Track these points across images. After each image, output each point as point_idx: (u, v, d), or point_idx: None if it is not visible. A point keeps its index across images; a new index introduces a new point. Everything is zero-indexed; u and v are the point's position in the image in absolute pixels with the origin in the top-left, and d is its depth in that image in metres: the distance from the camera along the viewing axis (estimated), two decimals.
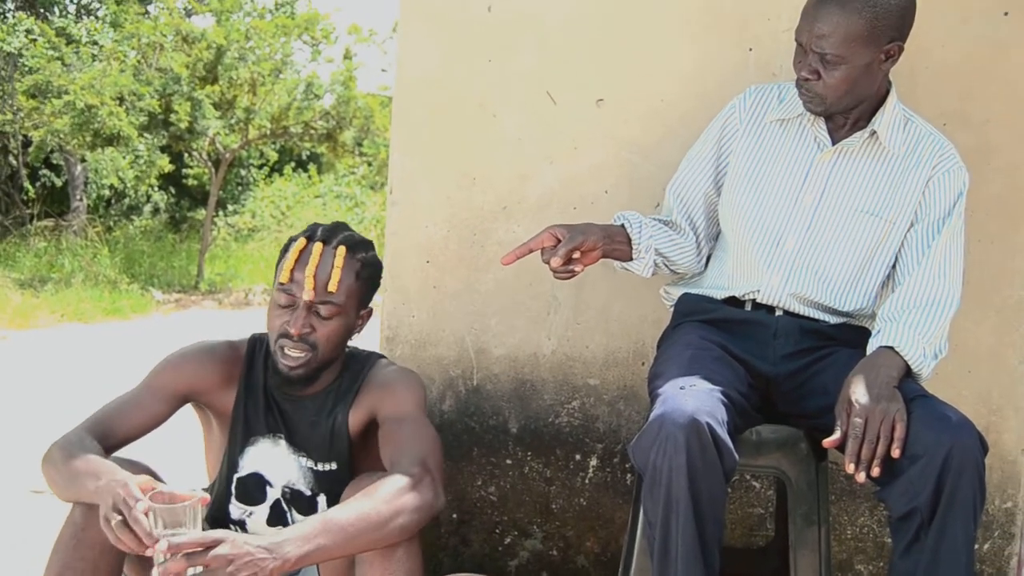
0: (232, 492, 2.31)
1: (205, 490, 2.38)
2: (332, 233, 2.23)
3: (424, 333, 2.85)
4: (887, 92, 2.25)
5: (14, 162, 13.79)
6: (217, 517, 2.31)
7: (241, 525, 2.32)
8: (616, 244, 2.30)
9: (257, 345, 2.33)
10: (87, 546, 2.01)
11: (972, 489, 1.90)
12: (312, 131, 12.10)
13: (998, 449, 2.70)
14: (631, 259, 2.34)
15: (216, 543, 1.74)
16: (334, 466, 2.27)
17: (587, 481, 2.86)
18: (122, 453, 2.15)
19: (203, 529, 1.82)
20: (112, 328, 8.77)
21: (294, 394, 2.27)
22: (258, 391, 2.29)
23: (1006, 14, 2.61)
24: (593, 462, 2.85)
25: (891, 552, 2.01)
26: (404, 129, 2.81)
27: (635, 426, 2.80)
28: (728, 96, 2.46)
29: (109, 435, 2.14)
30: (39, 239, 12.68)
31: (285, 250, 2.23)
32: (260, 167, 16.49)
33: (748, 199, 2.31)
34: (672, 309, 2.47)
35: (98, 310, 9.38)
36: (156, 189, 14.77)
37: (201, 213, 14.39)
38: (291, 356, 2.18)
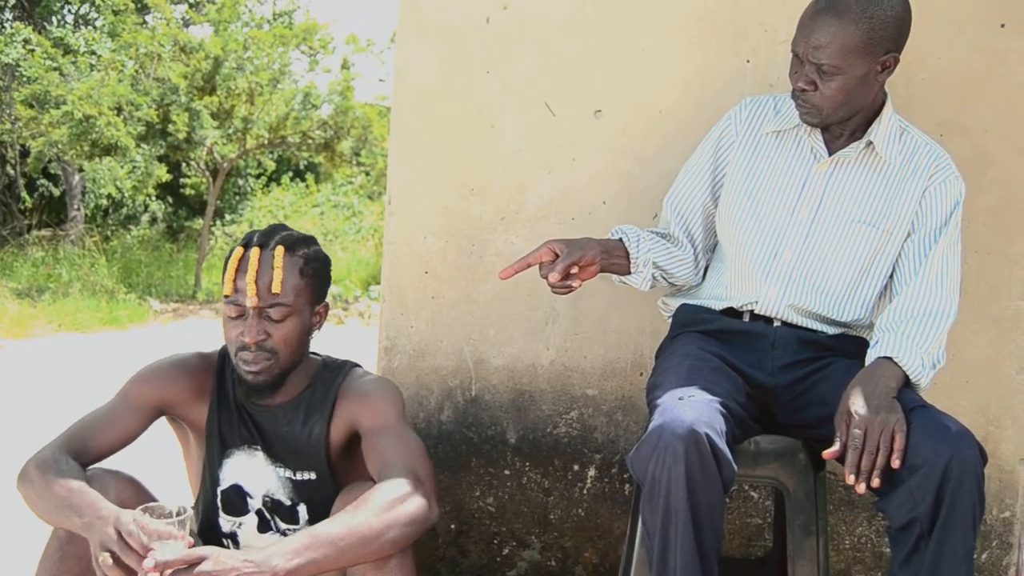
0: (219, 505, 2.30)
1: (193, 507, 2.37)
2: (269, 236, 2.19)
3: (422, 343, 2.85)
4: (883, 103, 2.25)
5: (12, 172, 13.80)
6: (208, 531, 2.31)
7: (232, 537, 2.31)
8: (614, 259, 2.30)
9: (226, 357, 2.31)
10: (72, 558, 2.03)
11: (972, 499, 1.90)
12: (310, 141, 12.11)
13: (996, 459, 2.70)
14: (629, 273, 2.34)
15: (200, 560, 1.75)
16: (313, 476, 2.25)
17: (585, 491, 2.86)
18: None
19: (192, 542, 1.83)
20: (109, 338, 8.76)
21: (264, 404, 2.25)
22: (230, 402, 2.28)
23: (1003, 25, 2.62)
24: (591, 472, 2.85)
25: (890, 562, 2.01)
26: (402, 139, 2.81)
27: (633, 436, 2.80)
28: (726, 107, 2.46)
29: (84, 451, 2.12)
30: (36, 249, 12.68)
31: (225, 264, 2.20)
32: (258, 177, 16.51)
33: (745, 211, 2.32)
34: (670, 320, 2.47)
35: (95, 320, 9.37)
36: (154, 199, 14.79)
37: (199, 223, 14.39)
38: (252, 365, 2.15)
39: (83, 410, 2.24)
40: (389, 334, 2.86)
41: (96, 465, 2.12)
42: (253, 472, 2.28)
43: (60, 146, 10.92)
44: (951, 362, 2.30)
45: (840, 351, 2.26)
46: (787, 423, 2.23)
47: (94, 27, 14.21)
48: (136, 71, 11.46)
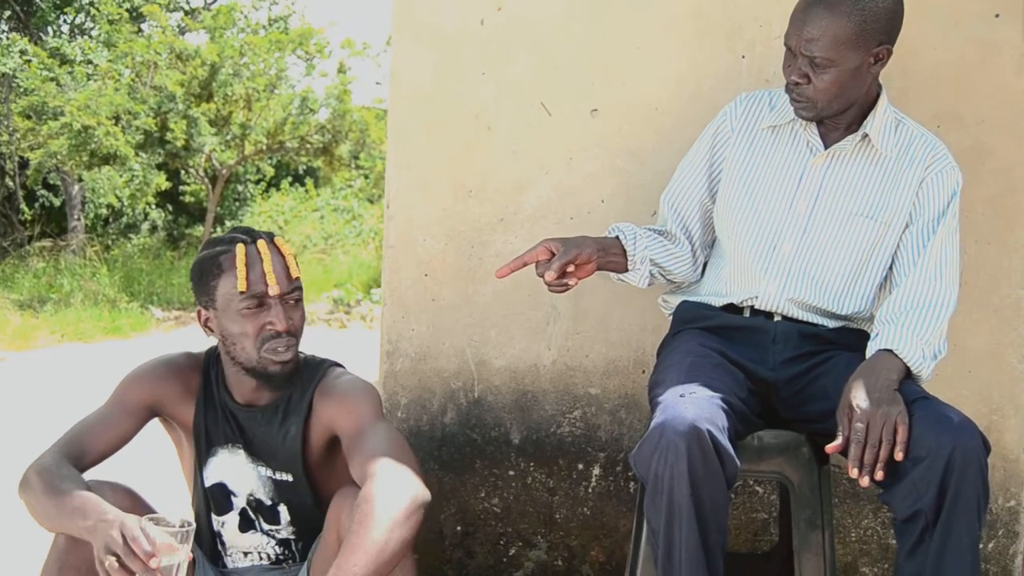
0: (210, 504, 2.32)
1: (189, 504, 2.39)
2: (248, 233, 2.22)
3: (424, 346, 2.85)
4: (878, 95, 2.25)
5: (11, 183, 13.81)
6: (200, 530, 2.32)
7: (218, 537, 2.34)
8: (611, 256, 2.30)
9: (212, 356, 2.34)
10: (71, 569, 2.05)
11: (976, 489, 1.90)
12: (308, 145, 12.12)
13: (1000, 448, 2.71)
14: (627, 271, 2.34)
15: None
16: (289, 477, 2.27)
17: (590, 490, 2.86)
18: (99, 474, 2.17)
19: (193, 556, 1.85)
20: (112, 347, 8.76)
21: (247, 405, 2.28)
22: (215, 401, 2.30)
23: (997, 16, 2.62)
24: (596, 471, 2.85)
25: (896, 554, 2.01)
26: (400, 143, 2.81)
27: (637, 434, 2.80)
28: (722, 102, 2.46)
29: (82, 455, 2.14)
30: (38, 260, 12.67)
31: (206, 271, 2.19)
32: (257, 182, 16.52)
33: (743, 206, 2.32)
34: (671, 317, 2.48)
35: (98, 329, 9.37)
36: (153, 207, 14.80)
37: (199, 230, 14.40)
38: (286, 354, 2.19)
39: (82, 416, 2.25)
40: (391, 338, 2.86)
41: (94, 477, 2.13)
42: (236, 471, 2.30)
43: (59, 157, 10.92)
44: (953, 352, 2.30)
45: (841, 344, 2.26)
46: (790, 418, 2.23)
47: (90, 37, 14.20)
48: (133, 80, 11.47)
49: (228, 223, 15.58)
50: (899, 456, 1.90)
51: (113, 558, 1.82)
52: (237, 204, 16.17)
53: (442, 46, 2.77)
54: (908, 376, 2.06)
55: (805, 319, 2.28)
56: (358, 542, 1.85)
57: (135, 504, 2.13)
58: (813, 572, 2.16)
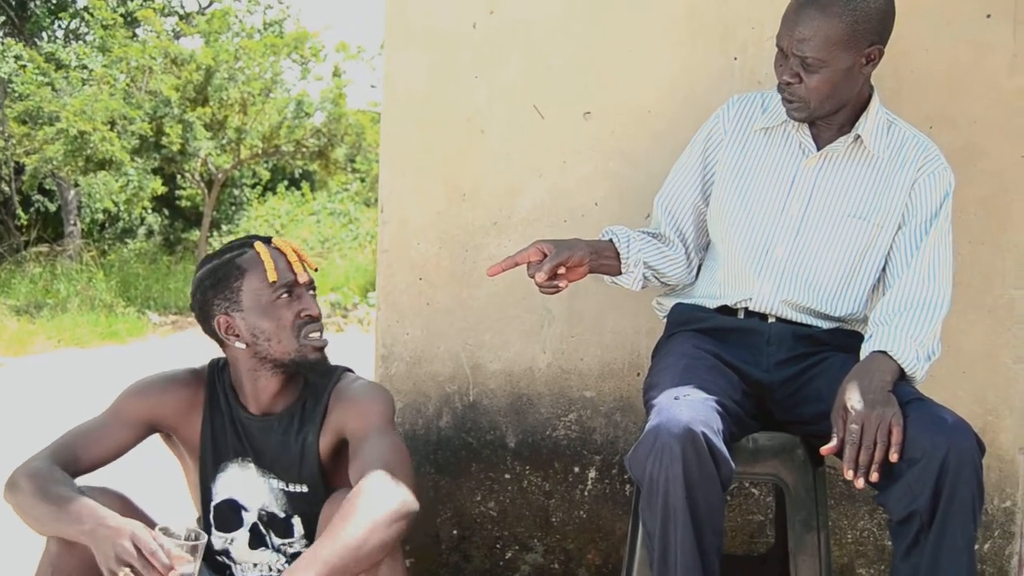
0: (212, 522, 2.30)
1: (196, 521, 2.38)
2: (254, 237, 2.26)
3: (419, 350, 2.85)
4: (870, 96, 2.26)
5: (7, 189, 13.80)
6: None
7: (225, 554, 2.31)
8: (604, 259, 2.31)
9: (216, 369, 2.32)
10: (64, 573, 2.04)
11: (970, 490, 1.90)
12: (304, 149, 12.12)
13: (995, 449, 2.70)
14: (620, 273, 2.35)
15: None
16: (305, 488, 2.25)
17: (586, 493, 2.86)
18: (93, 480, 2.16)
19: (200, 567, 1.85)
20: (109, 352, 8.76)
21: (263, 414, 2.26)
22: (223, 415, 2.28)
23: (988, 16, 2.63)
24: (592, 474, 2.85)
25: (892, 556, 2.01)
26: (393, 147, 2.82)
27: (632, 437, 2.80)
28: (714, 104, 2.47)
29: (72, 462, 2.13)
30: (34, 265, 12.67)
31: (224, 276, 2.20)
32: (253, 186, 16.51)
33: (736, 208, 2.32)
34: (665, 320, 2.48)
35: (95, 334, 9.37)
36: (150, 211, 14.79)
37: (195, 234, 14.40)
38: (323, 337, 2.24)
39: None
40: (385, 342, 2.86)
41: (85, 482, 2.11)
42: (247, 485, 2.28)
43: (55, 162, 10.92)
44: (948, 353, 2.31)
45: (835, 346, 2.26)
46: (784, 419, 2.23)
47: (84, 42, 14.21)
48: (128, 85, 11.47)
49: (224, 227, 15.59)
50: (894, 457, 1.90)
51: (127, 569, 1.82)
52: (233, 208, 16.17)
53: (435, 49, 2.77)
54: (902, 377, 2.07)
55: (799, 320, 2.28)
56: (336, 534, 1.85)
57: (127, 509, 2.10)
58: (809, 574, 2.16)
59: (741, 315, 2.31)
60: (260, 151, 12.05)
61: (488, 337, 2.83)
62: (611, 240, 2.34)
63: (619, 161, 2.75)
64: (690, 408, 1.93)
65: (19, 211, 13.89)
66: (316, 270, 2.29)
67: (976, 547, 2.38)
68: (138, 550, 1.83)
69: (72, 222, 13.67)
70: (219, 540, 2.30)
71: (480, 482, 2.88)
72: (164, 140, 10.91)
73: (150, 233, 15.49)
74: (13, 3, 14.49)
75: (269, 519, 2.28)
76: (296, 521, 2.27)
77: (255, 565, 2.33)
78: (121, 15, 12.47)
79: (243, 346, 2.20)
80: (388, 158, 2.82)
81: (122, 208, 13.26)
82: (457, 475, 2.87)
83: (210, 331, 2.25)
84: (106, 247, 14.44)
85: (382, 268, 2.84)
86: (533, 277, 2.19)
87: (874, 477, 1.91)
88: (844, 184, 2.26)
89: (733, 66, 2.69)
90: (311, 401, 2.26)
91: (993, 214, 2.67)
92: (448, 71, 2.78)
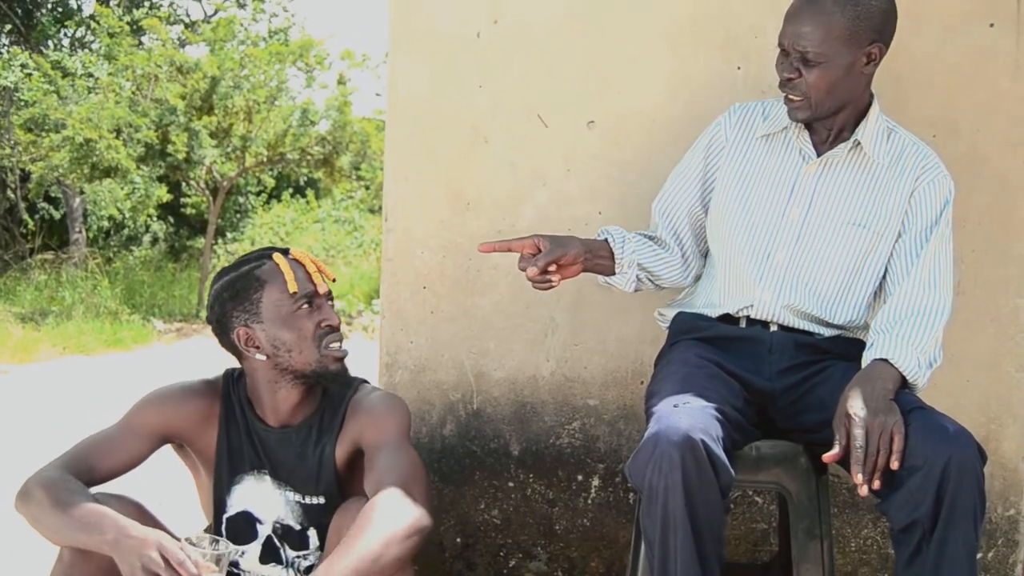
0: (223, 534, 2.29)
1: (205, 530, 2.37)
2: (271, 248, 2.28)
3: (423, 358, 2.85)
4: (870, 103, 2.26)
5: (12, 196, 13.84)
6: None
7: (235, 566, 2.30)
8: (599, 259, 2.32)
9: (231, 380, 2.32)
10: None
11: (972, 499, 1.90)
12: (309, 157, 12.11)
13: (998, 457, 2.70)
14: (614, 273, 2.35)
15: None
16: (322, 500, 2.25)
17: (590, 501, 2.86)
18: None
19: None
20: (114, 359, 8.77)
21: (281, 427, 2.26)
22: (239, 427, 2.28)
23: (992, 25, 2.63)
24: (595, 482, 2.85)
25: (894, 564, 2.01)
26: (397, 155, 2.82)
27: (636, 445, 2.77)
28: (718, 113, 2.47)
29: (86, 472, 2.12)
30: (39, 272, 12.69)
31: (243, 288, 2.21)
32: (258, 194, 16.53)
33: (736, 215, 2.32)
34: (667, 330, 2.48)
35: (100, 342, 9.38)
36: (155, 219, 14.81)
37: (200, 242, 14.41)
38: (343, 349, 2.24)
39: (90, 433, 2.24)
40: (389, 350, 2.86)
41: (99, 489, 2.12)
42: (262, 497, 2.27)
43: (61, 170, 10.94)
44: (951, 362, 2.31)
45: (837, 354, 2.26)
46: (787, 427, 2.23)
47: (90, 50, 14.24)
48: (134, 93, 11.48)
49: (229, 235, 15.61)
50: (895, 465, 1.90)
51: None
52: (238, 216, 16.18)
53: (439, 58, 2.78)
54: (904, 385, 2.07)
55: (801, 327, 2.28)
56: (352, 547, 1.85)
57: (143, 518, 2.10)
58: None
59: (743, 323, 2.31)
60: (265, 159, 12.05)
61: (492, 345, 2.83)
62: (606, 240, 2.35)
63: (622, 169, 2.75)
64: (689, 416, 1.94)
65: (25, 218, 13.91)
66: (334, 280, 2.30)
67: (979, 556, 2.39)
68: (165, 560, 1.84)
69: (77, 229, 13.69)
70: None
71: (484, 490, 2.88)
72: (169, 148, 10.91)
73: (155, 241, 15.51)
74: (19, 12, 14.55)
75: (284, 531, 2.28)
76: (311, 533, 2.27)
77: None
78: (127, 23, 12.49)
79: (263, 358, 2.21)
80: (392, 167, 2.83)
81: (127, 216, 13.27)
82: (461, 483, 2.88)
83: (229, 344, 2.25)
84: (111, 254, 14.46)
85: (386, 276, 2.85)
86: (524, 270, 2.20)
87: (876, 484, 1.92)
88: (844, 191, 2.26)
89: (736, 75, 2.70)
90: (329, 413, 2.26)
91: (997, 223, 2.67)
92: (452, 79, 2.79)
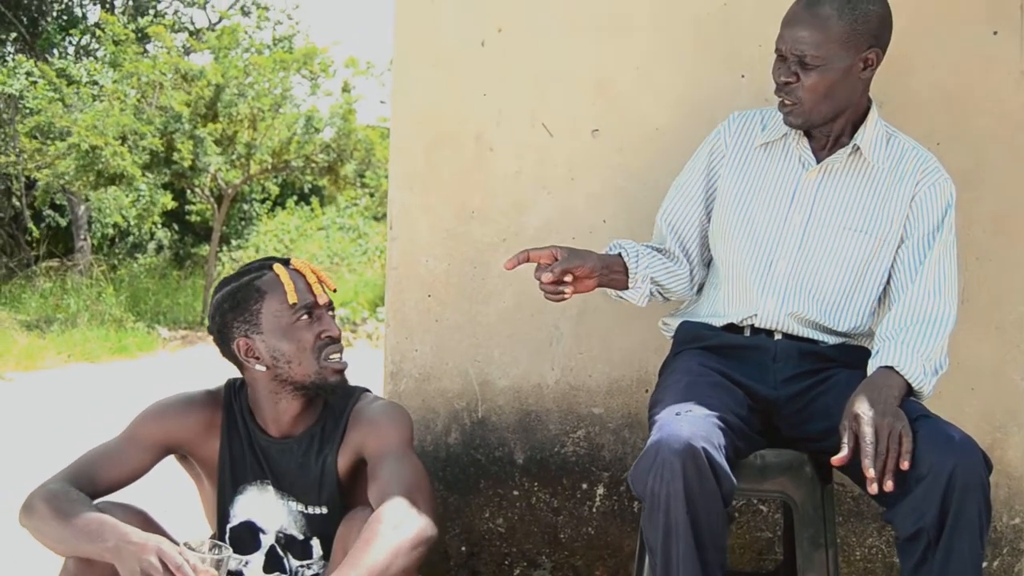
0: (227, 544, 2.29)
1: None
2: (272, 259, 2.27)
3: (427, 367, 2.85)
4: (868, 108, 2.27)
5: (18, 204, 13.86)
6: None
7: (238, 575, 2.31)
8: (613, 274, 2.31)
9: (233, 390, 2.32)
10: None
11: (977, 508, 1.90)
12: (313, 164, 12.14)
13: (1003, 466, 2.70)
14: (627, 288, 2.35)
15: None
16: (324, 510, 2.25)
17: (594, 510, 2.86)
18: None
19: None
20: (119, 367, 8.79)
21: (282, 437, 2.26)
22: (241, 438, 2.28)
23: (995, 33, 2.63)
24: (600, 491, 2.85)
25: (899, 573, 2.01)
26: (402, 163, 2.83)
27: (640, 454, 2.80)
28: (722, 122, 2.47)
29: (89, 485, 2.12)
30: (44, 280, 12.72)
31: (244, 299, 2.21)
32: (262, 201, 16.54)
33: (738, 224, 2.32)
34: (672, 339, 2.48)
35: (104, 349, 9.40)
36: (159, 227, 14.84)
37: (205, 249, 14.43)
38: (342, 360, 2.23)
39: (96, 441, 2.25)
40: (394, 358, 2.87)
41: (106, 499, 2.12)
42: (265, 508, 2.27)
43: (66, 177, 10.97)
44: (956, 370, 2.30)
45: (841, 362, 2.26)
46: (792, 436, 2.23)
47: (95, 57, 14.29)
48: (139, 100, 11.51)
49: (234, 242, 15.63)
50: (904, 465, 1.89)
51: None
52: (243, 223, 16.21)
53: (443, 67, 2.79)
54: (910, 393, 2.06)
55: (805, 336, 2.28)
56: (360, 559, 1.85)
57: (147, 525, 2.10)
58: None
59: (747, 332, 2.31)
60: (270, 166, 12.07)
61: (497, 354, 2.83)
62: (619, 254, 2.35)
63: (627, 178, 2.76)
64: (691, 424, 1.94)
65: (30, 226, 13.94)
66: (335, 290, 2.28)
67: (984, 564, 2.38)
68: (164, 565, 1.84)
69: (82, 237, 13.73)
70: (233, 563, 2.28)
71: (488, 498, 2.88)
72: (174, 156, 10.94)
73: (160, 248, 15.53)
74: (24, 20, 14.59)
75: (287, 541, 2.27)
76: (315, 543, 2.27)
77: None
78: (132, 31, 12.53)
79: (263, 369, 2.21)
80: (397, 175, 2.84)
81: (132, 223, 13.30)
82: (466, 491, 2.88)
83: (229, 354, 2.25)
84: (116, 262, 14.49)
85: (391, 285, 2.85)
86: (538, 278, 2.20)
87: (888, 486, 1.90)
88: (845, 197, 2.26)
89: (740, 84, 2.70)
90: (330, 423, 2.26)
91: (1001, 230, 2.67)
92: (456, 88, 2.79)
